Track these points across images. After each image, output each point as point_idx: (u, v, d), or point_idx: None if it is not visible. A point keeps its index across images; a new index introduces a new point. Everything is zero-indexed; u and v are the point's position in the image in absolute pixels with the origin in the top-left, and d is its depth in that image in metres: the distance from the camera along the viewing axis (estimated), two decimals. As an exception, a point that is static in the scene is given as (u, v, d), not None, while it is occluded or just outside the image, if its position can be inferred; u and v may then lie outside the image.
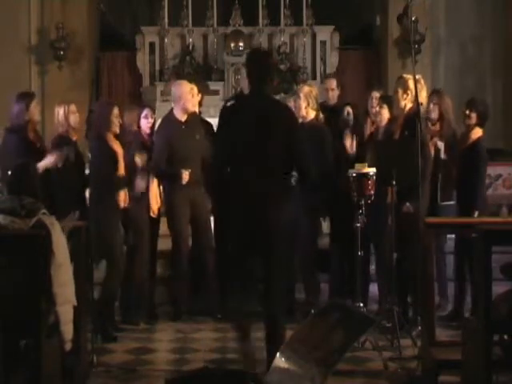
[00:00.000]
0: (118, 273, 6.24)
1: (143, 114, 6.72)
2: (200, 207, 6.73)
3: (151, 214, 6.60)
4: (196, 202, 6.71)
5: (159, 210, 6.73)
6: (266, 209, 4.88)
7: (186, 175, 6.55)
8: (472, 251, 6.50)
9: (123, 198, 6.19)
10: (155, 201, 6.63)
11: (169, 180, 6.71)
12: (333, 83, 7.64)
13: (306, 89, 6.67)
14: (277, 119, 4.97)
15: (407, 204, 6.02)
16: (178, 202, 6.66)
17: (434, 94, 6.83)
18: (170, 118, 6.85)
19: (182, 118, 6.75)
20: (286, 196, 5.05)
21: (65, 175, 6.23)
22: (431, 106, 6.60)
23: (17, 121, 6.29)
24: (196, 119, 6.88)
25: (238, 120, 5.00)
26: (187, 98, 6.70)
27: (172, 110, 6.85)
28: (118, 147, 6.25)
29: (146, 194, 6.56)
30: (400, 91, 6.23)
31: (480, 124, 6.50)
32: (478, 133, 6.49)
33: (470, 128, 6.52)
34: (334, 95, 7.58)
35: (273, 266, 4.95)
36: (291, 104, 6.61)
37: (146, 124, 6.72)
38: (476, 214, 6.32)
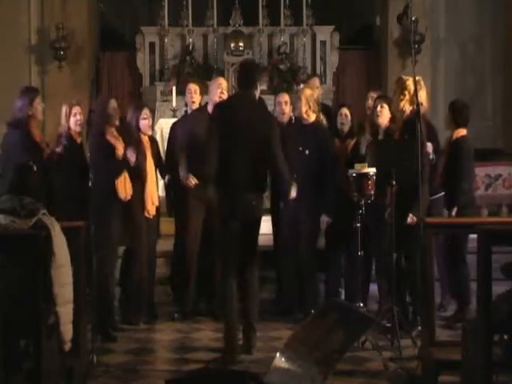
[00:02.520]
0: (113, 271, 6.25)
1: (142, 115, 6.59)
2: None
3: (146, 215, 6.56)
4: (211, 199, 6.64)
5: (158, 210, 6.69)
6: (250, 201, 5.62)
7: (191, 181, 6.57)
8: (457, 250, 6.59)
9: (122, 188, 6.20)
10: (151, 201, 6.58)
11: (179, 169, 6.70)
12: (315, 82, 7.71)
13: (307, 92, 6.68)
14: (259, 121, 5.69)
15: (410, 215, 6.01)
16: (192, 200, 6.62)
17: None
18: (201, 111, 6.83)
19: None
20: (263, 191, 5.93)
21: (68, 181, 6.26)
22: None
23: (19, 115, 6.28)
24: None
25: (228, 119, 5.66)
26: (215, 91, 6.68)
27: (206, 104, 6.86)
28: (118, 142, 6.25)
29: (142, 194, 6.53)
30: (398, 92, 6.25)
31: (459, 124, 6.52)
32: (460, 132, 6.52)
33: (451, 129, 6.60)
34: (317, 94, 7.65)
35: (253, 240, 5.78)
36: (282, 100, 7.01)
37: (146, 125, 6.61)
38: (454, 210, 6.35)
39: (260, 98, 6.38)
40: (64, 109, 6.41)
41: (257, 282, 5.81)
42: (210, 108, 6.72)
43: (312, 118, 6.63)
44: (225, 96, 6.73)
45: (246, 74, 5.85)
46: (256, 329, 5.77)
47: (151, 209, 6.55)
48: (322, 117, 6.81)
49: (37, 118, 6.34)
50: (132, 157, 6.29)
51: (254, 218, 5.72)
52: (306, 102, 6.59)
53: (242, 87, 5.85)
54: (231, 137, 5.61)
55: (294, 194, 5.91)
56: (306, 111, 6.59)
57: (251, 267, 5.75)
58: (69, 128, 6.37)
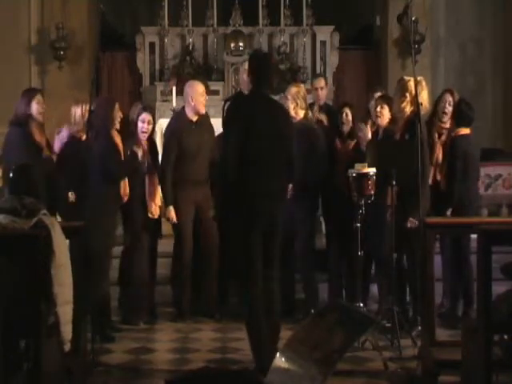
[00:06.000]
0: (109, 272, 6.24)
1: (141, 117, 6.60)
2: (206, 207, 6.70)
3: (149, 215, 6.56)
4: (202, 202, 6.68)
5: (160, 210, 6.71)
6: (277, 204, 5.31)
7: (171, 216, 6.60)
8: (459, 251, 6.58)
9: (124, 189, 6.20)
10: (153, 201, 6.58)
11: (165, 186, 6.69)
12: (321, 82, 7.70)
13: (293, 90, 6.67)
14: (282, 120, 5.41)
15: (411, 219, 6.00)
16: (181, 202, 6.64)
17: (447, 92, 6.85)
18: (180, 116, 6.88)
19: (193, 117, 6.75)
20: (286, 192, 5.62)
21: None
22: (446, 105, 6.64)
23: (19, 114, 6.39)
24: (207, 120, 6.87)
25: (250, 119, 5.25)
26: (199, 99, 6.70)
27: (183, 108, 6.87)
28: (120, 142, 6.28)
29: (142, 194, 6.53)
30: (398, 93, 6.25)
31: (459, 123, 6.49)
32: (460, 131, 6.48)
33: (451, 126, 6.60)
34: (323, 94, 7.63)
35: (276, 250, 5.44)
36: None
37: (141, 127, 6.59)
38: (449, 211, 6.35)
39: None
40: (79, 109, 6.49)
41: (278, 293, 5.44)
42: (189, 114, 6.72)
43: (300, 114, 6.62)
44: (204, 103, 6.74)
45: (260, 67, 5.40)
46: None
47: (153, 209, 6.56)
48: (310, 114, 6.81)
49: (36, 117, 6.38)
50: (139, 152, 6.33)
51: (277, 223, 5.36)
52: (293, 100, 6.57)
53: (255, 83, 5.37)
54: (255, 138, 5.20)
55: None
56: (294, 108, 6.57)
57: (273, 275, 5.41)
58: (83, 125, 6.42)
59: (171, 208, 6.64)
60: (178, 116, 6.96)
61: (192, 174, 6.64)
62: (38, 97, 6.47)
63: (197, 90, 6.74)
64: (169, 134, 6.85)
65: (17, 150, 6.22)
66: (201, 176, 6.65)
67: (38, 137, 6.40)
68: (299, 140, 6.39)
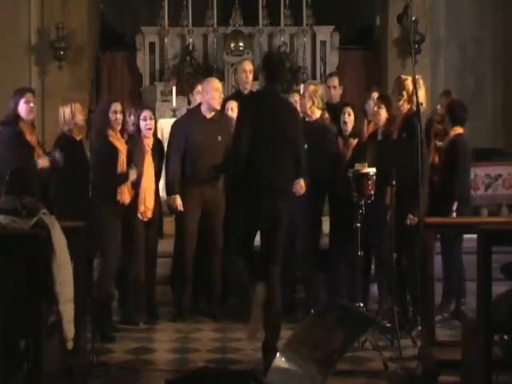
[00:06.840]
0: (112, 272, 6.25)
1: (142, 116, 6.54)
2: (213, 207, 6.63)
3: (139, 216, 6.46)
4: (209, 201, 6.61)
5: (156, 210, 6.63)
6: (280, 199, 5.30)
7: (178, 204, 6.53)
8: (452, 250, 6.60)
9: (124, 193, 6.19)
10: (144, 204, 6.49)
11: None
12: (335, 81, 7.66)
13: (311, 88, 6.64)
14: (287, 118, 5.39)
15: (410, 216, 6.01)
16: (187, 200, 6.60)
17: (442, 95, 6.92)
18: (193, 111, 6.81)
19: (208, 114, 6.66)
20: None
21: (68, 177, 6.29)
22: (439, 107, 6.70)
23: (8, 114, 6.40)
24: (223, 120, 6.77)
25: (256, 118, 5.27)
26: (214, 94, 6.62)
27: (199, 104, 6.78)
28: (119, 144, 6.25)
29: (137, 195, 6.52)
30: (395, 92, 6.27)
31: (455, 123, 6.56)
32: (456, 131, 6.57)
33: (448, 128, 6.66)
34: (336, 93, 7.60)
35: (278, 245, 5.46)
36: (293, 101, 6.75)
37: (144, 126, 6.53)
38: (455, 205, 6.38)
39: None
40: (67, 108, 6.47)
41: (279, 290, 5.43)
42: (203, 110, 6.69)
43: (316, 114, 6.60)
44: (220, 100, 6.70)
45: (275, 66, 5.48)
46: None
47: (144, 212, 6.49)
48: (326, 115, 6.81)
49: (24, 116, 6.37)
50: (133, 175, 6.30)
51: (280, 215, 5.34)
52: (310, 98, 6.53)
53: (270, 80, 5.41)
54: (262, 131, 5.23)
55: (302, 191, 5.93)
56: (310, 107, 6.54)
57: (275, 271, 5.42)
58: (74, 125, 6.43)
59: (177, 196, 6.53)
60: (192, 111, 6.88)
61: (200, 172, 6.56)
62: (28, 96, 6.44)
63: (212, 85, 6.63)
64: (177, 126, 6.78)
65: (9, 149, 6.22)
66: (210, 176, 6.57)
67: (29, 136, 6.40)
68: (313, 139, 6.38)
